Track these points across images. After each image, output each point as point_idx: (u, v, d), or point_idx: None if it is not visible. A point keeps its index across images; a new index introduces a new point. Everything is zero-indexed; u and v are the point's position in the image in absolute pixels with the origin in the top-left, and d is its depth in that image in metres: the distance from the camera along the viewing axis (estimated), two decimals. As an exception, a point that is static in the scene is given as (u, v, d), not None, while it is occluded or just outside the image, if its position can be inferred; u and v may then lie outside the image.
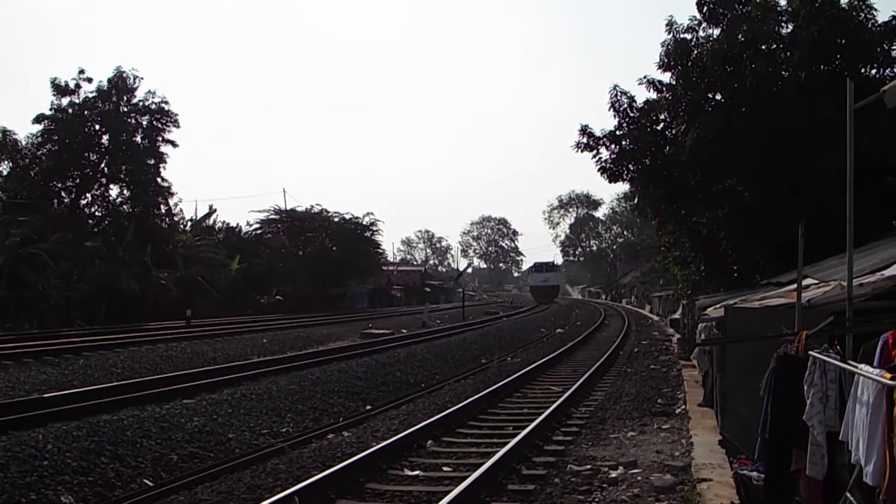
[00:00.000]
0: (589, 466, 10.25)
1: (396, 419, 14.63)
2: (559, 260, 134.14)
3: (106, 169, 45.09)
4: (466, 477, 9.13)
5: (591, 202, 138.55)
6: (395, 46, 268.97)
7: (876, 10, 19.12)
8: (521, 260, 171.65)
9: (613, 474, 9.80)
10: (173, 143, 46.56)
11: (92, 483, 10.11)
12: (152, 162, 45.82)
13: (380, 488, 9.50)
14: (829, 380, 5.99)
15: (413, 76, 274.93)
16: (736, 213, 20.26)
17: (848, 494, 5.63)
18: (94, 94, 43.99)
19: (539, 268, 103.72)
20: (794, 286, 8.50)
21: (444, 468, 10.62)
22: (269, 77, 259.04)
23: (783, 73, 19.66)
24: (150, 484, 10.48)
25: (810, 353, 6.24)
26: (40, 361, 19.92)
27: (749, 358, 9.54)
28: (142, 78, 45.22)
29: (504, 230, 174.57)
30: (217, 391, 16.29)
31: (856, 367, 5.45)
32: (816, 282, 9.68)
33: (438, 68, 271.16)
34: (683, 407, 14.86)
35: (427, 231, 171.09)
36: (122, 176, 45.04)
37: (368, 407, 17.00)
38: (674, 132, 21.72)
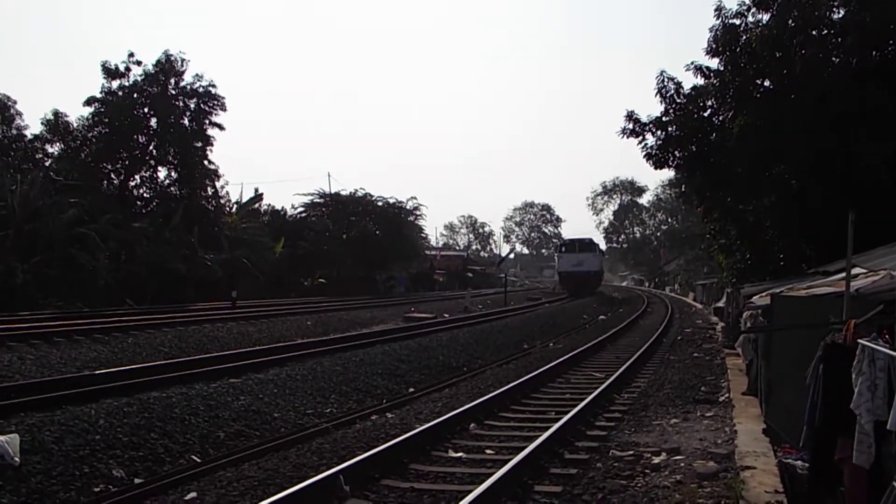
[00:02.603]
0: (631, 452, 10.28)
1: (439, 402, 14.75)
2: (602, 244, 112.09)
3: (154, 151, 45.58)
4: (509, 460, 9.19)
5: (635, 189, 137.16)
6: (441, 38, 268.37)
7: (930, -5, 18.74)
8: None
9: (656, 460, 9.82)
10: (220, 127, 46.84)
11: (142, 458, 10.36)
12: (199, 145, 46.17)
13: (423, 469, 9.61)
14: (878, 368, 5.96)
15: (460, 62, 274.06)
16: (783, 202, 20.03)
17: (895, 484, 5.60)
18: (142, 78, 44.50)
19: (571, 246, 74.52)
20: (842, 275, 8.42)
21: (487, 451, 10.71)
22: (316, 64, 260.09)
23: (833, 59, 19.34)
24: (198, 460, 10.70)
25: (860, 341, 6.20)
26: (91, 339, 20.27)
27: (795, 346, 9.48)
28: (189, 61, 45.60)
29: (547, 216, 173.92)
30: (263, 371, 16.51)
31: (905, 357, 5.43)
32: (865, 271, 9.58)
33: (483, 56, 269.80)
34: (727, 395, 14.78)
35: (470, 216, 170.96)
36: (170, 158, 45.49)
37: (411, 389, 17.14)
38: (721, 119, 21.49)
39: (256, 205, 58.53)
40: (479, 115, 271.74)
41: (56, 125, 43.85)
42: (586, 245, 74.19)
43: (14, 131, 44.53)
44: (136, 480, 9.63)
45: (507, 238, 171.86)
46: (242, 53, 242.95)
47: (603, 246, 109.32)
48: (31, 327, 20.79)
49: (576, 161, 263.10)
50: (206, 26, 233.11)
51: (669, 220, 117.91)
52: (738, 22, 20.58)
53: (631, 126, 22.03)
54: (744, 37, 20.22)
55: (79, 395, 12.63)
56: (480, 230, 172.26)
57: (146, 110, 44.59)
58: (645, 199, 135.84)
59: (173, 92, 45.29)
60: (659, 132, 21.81)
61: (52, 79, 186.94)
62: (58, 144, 44.60)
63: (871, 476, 6.26)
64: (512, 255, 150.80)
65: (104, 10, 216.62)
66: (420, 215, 65.93)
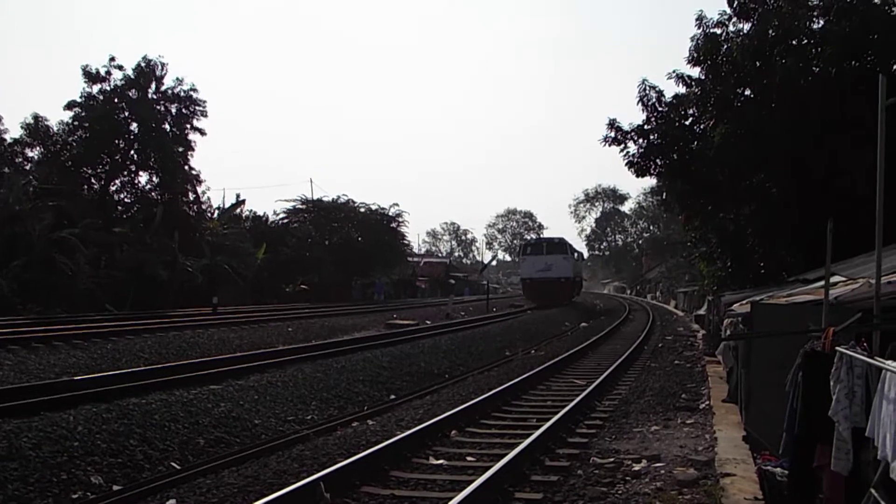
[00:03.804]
0: (612, 459, 10.28)
1: (421, 409, 14.71)
2: (584, 251, 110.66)
3: (135, 156, 45.44)
4: (490, 467, 9.16)
5: (617, 196, 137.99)
6: (424, 43, 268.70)
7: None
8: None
9: (637, 467, 9.83)
10: (201, 132, 46.84)
11: (121, 464, 10.28)
12: (181, 150, 46.10)
13: (404, 476, 9.58)
14: (856, 376, 5.99)
15: (446, 71, 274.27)
16: (764, 210, 20.19)
17: (872, 491, 5.63)
18: (122, 82, 44.36)
19: (537, 247, 61.49)
20: (822, 283, 8.48)
21: (468, 458, 10.68)
22: (299, 70, 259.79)
23: (813, 68, 19.52)
24: (178, 467, 10.63)
25: (838, 348, 6.24)
26: (70, 345, 20.10)
27: (775, 354, 9.52)
28: (168, 65, 45.57)
29: (530, 223, 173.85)
30: (243, 378, 16.41)
31: (883, 364, 5.46)
32: (844, 279, 9.65)
33: (468, 64, 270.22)
34: (707, 402, 14.83)
35: (452, 223, 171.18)
36: (151, 163, 45.34)
37: (393, 396, 17.11)
38: (702, 127, 21.66)
39: (238, 211, 58.40)
40: (462, 124, 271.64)
41: (36, 129, 43.63)
42: (556, 245, 60.51)
43: (-7, 135, 44.21)
44: (115, 487, 9.56)
45: (489, 245, 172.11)
46: (227, 58, 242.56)
47: (584, 251, 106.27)
48: (9, 332, 20.60)
49: (558, 169, 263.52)
50: (192, 30, 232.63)
51: (651, 227, 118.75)
52: (719, 31, 20.78)
53: (613, 134, 22.16)
54: (725, 46, 20.41)
55: (57, 401, 12.49)
56: (463, 237, 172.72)
57: (127, 114, 44.42)
58: (627, 207, 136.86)
59: (154, 96, 45.18)
60: (640, 140, 21.95)
61: (32, 82, 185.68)
62: (38, 148, 44.37)
63: (849, 483, 6.29)
64: (494, 262, 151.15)
65: (88, 13, 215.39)
66: (402, 222, 65.98)
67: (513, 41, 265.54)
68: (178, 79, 46.04)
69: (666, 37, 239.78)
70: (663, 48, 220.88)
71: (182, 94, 45.98)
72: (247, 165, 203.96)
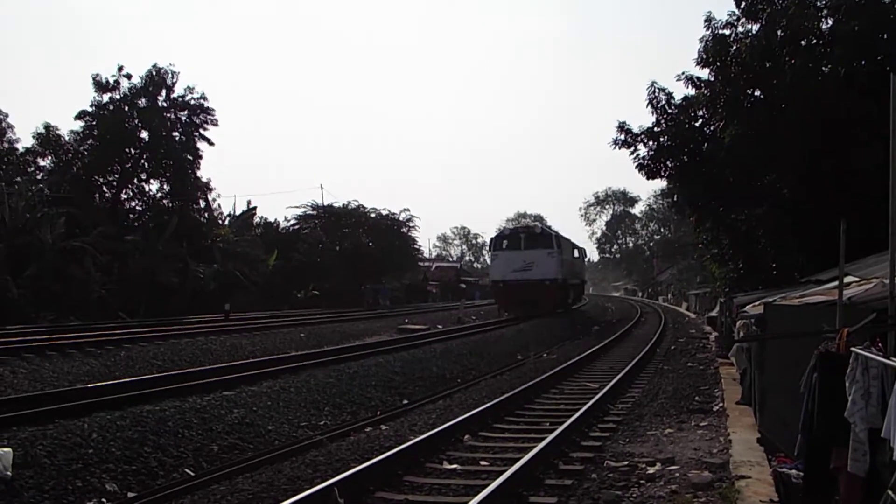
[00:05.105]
0: (626, 462, 10.27)
1: (434, 413, 14.70)
2: (594, 253, 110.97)
3: (145, 164, 45.65)
4: (504, 471, 9.17)
5: (627, 199, 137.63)
6: (430, 45, 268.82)
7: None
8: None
9: (651, 470, 9.81)
10: (209, 142, 47.08)
11: (135, 471, 10.30)
12: (191, 158, 46.28)
13: (418, 481, 9.58)
14: (872, 376, 5.97)
15: (452, 74, 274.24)
16: (775, 211, 20.11)
17: (889, 492, 5.60)
18: (132, 90, 44.56)
19: (514, 239, 45.81)
20: (835, 284, 8.44)
21: (482, 462, 10.67)
22: (308, 75, 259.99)
23: (823, 68, 19.46)
24: (192, 473, 10.65)
25: (853, 349, 6.21)
26: (83, 353, 20.14)
27: (788, 355, 9.49)
28: (178, 73, 45.70)
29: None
30: (256, 384, 16.41)
31: (899, 365, 5.43)
32: (857, 279, 9.61)
33: (466, 67, 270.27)
34: (721, 405, 14.79)
35: (463, 227, 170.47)
36: (162, 171, 45.56)
37: (405, 401, 17.10)
38: (712, 129, 21.61)
39: (250, 217, 58.54)
40: (472, 127, 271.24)
41: (47, 138, 43.96)
42: (538, 237, 45.77)
43: (5, 145, 44.55)
44: (130, 494, 9.59)
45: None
46: (227, 59, 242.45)
47: (593, 250, 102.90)
48: (23, 341, 20.70)
49: (568, 172, 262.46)
50: (193, 30, 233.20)
51: (662, 229, 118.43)
52: (727, 32, 20.73)
53: (623, 137, 22.14)
54: (734, 47, 20.35)
55: (71, 408, 12.54)
56: (474, 241, 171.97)
57: (137, 123, 44.60)
58: (637, 210, 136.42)
59: (164, 104, 45.33)
60: (651, 142, 21.92)
61: (39, 86, 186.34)
62: (49, 158, 44.64)
63: (866, 484, 6.26)
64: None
65: (88, 14, 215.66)
66: (413, 227, 66.03)
67: (523, 41, 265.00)
68: (188, 87, 46.33)
69: (666, 37, 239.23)
70: (664, 48, 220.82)
71: (192, 101, 46.19)
72: (248, 166, 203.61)
